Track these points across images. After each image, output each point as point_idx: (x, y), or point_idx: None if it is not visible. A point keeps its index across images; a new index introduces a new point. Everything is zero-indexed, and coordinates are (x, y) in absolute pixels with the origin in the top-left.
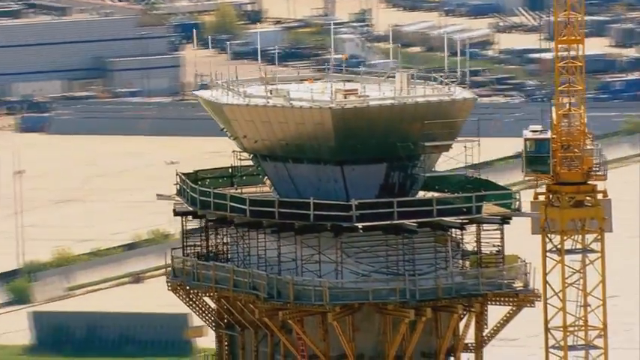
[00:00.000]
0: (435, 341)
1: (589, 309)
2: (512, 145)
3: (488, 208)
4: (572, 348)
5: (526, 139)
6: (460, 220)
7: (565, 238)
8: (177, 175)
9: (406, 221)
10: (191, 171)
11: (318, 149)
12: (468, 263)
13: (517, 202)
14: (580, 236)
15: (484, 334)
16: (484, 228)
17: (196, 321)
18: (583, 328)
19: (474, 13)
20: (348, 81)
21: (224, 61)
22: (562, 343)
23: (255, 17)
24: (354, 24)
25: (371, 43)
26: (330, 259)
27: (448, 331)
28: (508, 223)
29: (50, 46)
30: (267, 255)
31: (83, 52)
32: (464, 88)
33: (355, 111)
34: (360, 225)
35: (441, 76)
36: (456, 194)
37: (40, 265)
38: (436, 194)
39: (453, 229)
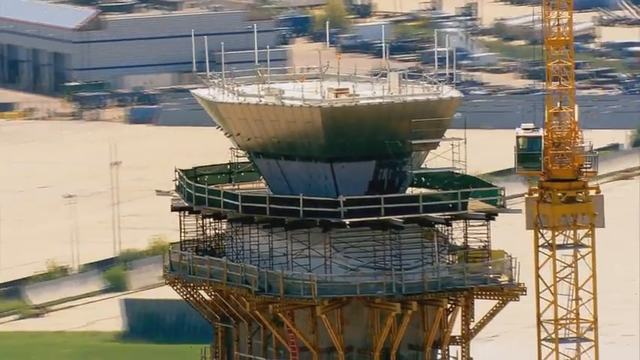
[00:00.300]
0: (422, 334)
1: (580, 302)
2: (609, 137)
3: (475, 205)
4: (564, 340)
5: (518, 137)
6: (445, 216)
7: (557, 233)
8: (175, 171)
9: (393, 217)
10: (190, 167)
11: (308, 147)
12: (455, 258)
13: (502, 199)
14: (572, 232)
15: (470, 327)
16: (471, 224)
17: None
18: (575, 321)
19: (578, 6)
20: (344, 80)
21: (332, 55)
22: (553, 335)
23: (365, 11)
24: (460, 18)
25: (475, 36)
26: (319, 254)
27: (434, 324)
28: (493, 219)
29: (160, 39)
30: (260, 250)
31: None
32: (451, 87)
33: (344, 110)
34: (347, 221)
35: (431, 76)
36: (442, 191)
37: (136, 253)
38: (424, 190)
39: (441, 225)
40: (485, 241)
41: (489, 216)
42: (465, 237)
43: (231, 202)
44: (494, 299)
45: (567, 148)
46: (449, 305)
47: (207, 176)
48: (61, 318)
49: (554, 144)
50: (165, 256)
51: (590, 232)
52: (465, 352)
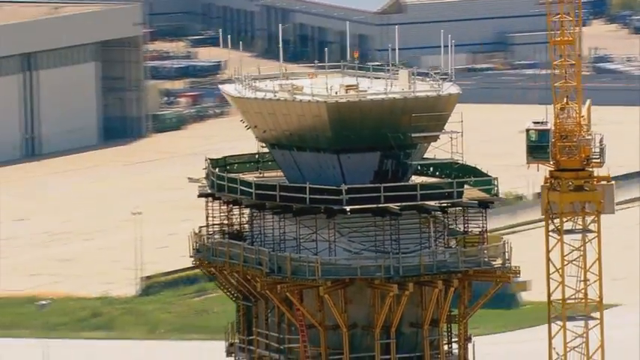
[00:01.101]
0: (422, 313)
1: (588, 283)
2: None
3: (472, 193)
4: (572, 319)
5: (528, 130)
6: (440, 204)
7: (565, 220)
8: (205, 160)
9: (390, 205)
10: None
11: (317, 139)
12: (454, 242)
13: (496, 188)
14: (580, 218)
15: (467, 307)
16: (471, 211)
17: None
18: (582, 300)
19: None
20: (361, 76)
21: (626, 36)
22: (562, 314)
23: None
24: None
25: None
26: (324, 239)
27: (431, 303)
28: (488, 207)
29: (457, 22)
30: (274, 234)
31: (486, 27)
32: (452, 84)
33: (349, 105)
34: (348, 208)
35: (436, 74)
36: (438, 180)
37: None
38: (426, 179)
39: (440, 212)
40: (482, 227)
41: (483, 204)
42: (464, 223)
43: (247, 189)
44: (488, 281)
45: (574, 140)
46: (442, 286)
47: (236, 165)
48: None
49: (562, 136)
50: (190, 238)
51: (596, 219)
52: (462, 330)
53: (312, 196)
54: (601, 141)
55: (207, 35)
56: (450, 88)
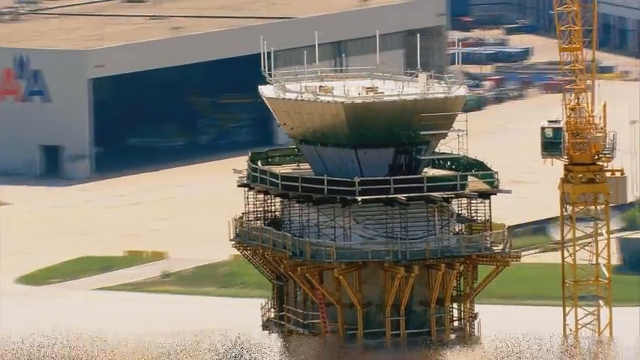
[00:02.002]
0: (429, 292)
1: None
2: None
3: (477, 185)
4: (583, 298)
5: (543, 128)
6: (445, 195)
7: (577, 209)
8: (249, 153)
9: (398, 195)
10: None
11: (337, 136)
12: (463, 228)
13: (496, 181)
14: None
15: (471, 288)
16: (478, 201)
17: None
18: (594, 281)
19: None
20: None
21: None
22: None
23: None
24: None
25: None
26: (341, 225)
27: (436, 284)
28: (489, 197)
29: None
30: (300, 221)
31: None
32: (460, 86)
33: (364, 105)
34: (359, 198)
35: (449, 77)
36: (443, 173)
37: None
38: (436, 172)
39: (448, 202)
40: (488, 215)
41: (484, 195)
42: (469, 212)
43: (274, 180)
44: (490, 265)
45: (585, 137)
46: (446, 269)
47: (277, 157)
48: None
49: (574, 134)
50: (230, 223)
51: (604, 208)
52: (468, 309)
53: (329, 187)
54: (613, 137)
55: (521, 24)
56: (459, 91)
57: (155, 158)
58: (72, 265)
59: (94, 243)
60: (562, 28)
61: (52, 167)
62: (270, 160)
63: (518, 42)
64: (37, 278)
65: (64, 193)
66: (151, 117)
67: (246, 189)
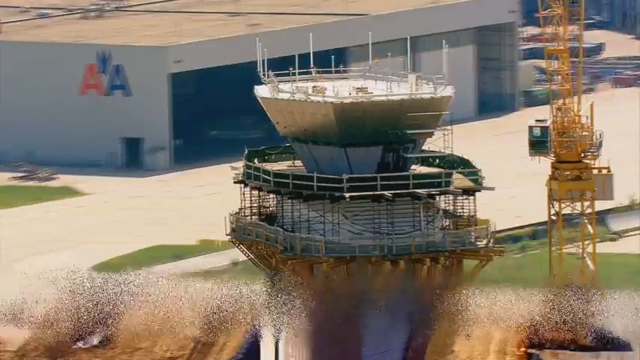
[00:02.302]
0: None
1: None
2: None
3: (462, 182)
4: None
5: (530, 127)
6: (430, 192)
7: (564, 205)
8: (245, 150)
9: (385, 192)
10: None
11: (327, 134)
12: (449, 224)
13: (480, 179)
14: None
15: (457, 280)
16: (465, 197)
17: None
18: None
19: None
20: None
21: None
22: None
23: None
24: None
25: None
26: (330, 221)
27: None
28: (473, 194)
29: None
30: (292, 216)
31: None
32: (446, 87)
33: (352, 105)
34: (347, 195)
35: (437, 78)
36: (428, 171)
37: None
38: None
39: (433, 198)
40: (472, 211)
41: (467, 192)
42: (454, 207)
43: (267, 177)
44: (473, 259)
45: (571, 136)
46: (432, 263)
47: (273, 155)
48: (631, 244)
49: (560, 133)
50: (226, 219)
51: (590, 204)
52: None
53: (319, 184)
54: (599, 136)
55: (595, 20)
56: (444, 91)
57: (233, 151)
58: (146, 253)
59: (169, 232)
60: None
61: (132, 159)
62: (266, 157)
63: (592, 38)
64: (112, 265)
65: (143, 183)
66: (228, 110)
67: (242, 185)
